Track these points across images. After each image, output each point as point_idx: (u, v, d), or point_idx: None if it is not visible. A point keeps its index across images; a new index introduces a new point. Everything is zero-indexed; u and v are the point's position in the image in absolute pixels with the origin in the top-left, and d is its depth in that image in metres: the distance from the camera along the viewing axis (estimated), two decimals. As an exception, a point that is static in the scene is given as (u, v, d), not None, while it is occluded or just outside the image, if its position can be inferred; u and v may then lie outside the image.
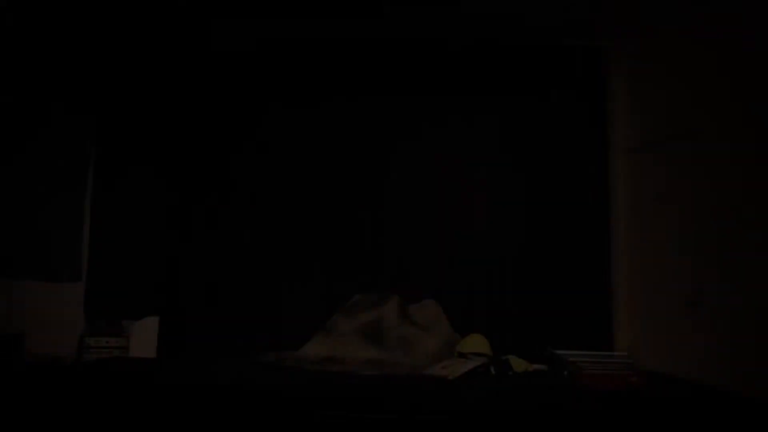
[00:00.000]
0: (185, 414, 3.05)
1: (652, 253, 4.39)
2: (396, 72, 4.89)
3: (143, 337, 4.66)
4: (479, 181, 4.83)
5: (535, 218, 4.77)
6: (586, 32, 4.68)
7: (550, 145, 4.82)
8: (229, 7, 4.44)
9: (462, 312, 4.65)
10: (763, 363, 3.47)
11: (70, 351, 4.55)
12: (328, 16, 4.52)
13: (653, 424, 2.92)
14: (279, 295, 4.73)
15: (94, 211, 4.79)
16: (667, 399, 3.38)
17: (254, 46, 4.87)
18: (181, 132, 4.87)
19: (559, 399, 3.40)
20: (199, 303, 4.70)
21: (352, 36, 4.82)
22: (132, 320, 4.69)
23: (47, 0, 4.29)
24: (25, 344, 4.43)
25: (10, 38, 4.44)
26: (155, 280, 4.74)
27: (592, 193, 4.77)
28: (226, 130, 4.88)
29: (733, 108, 3.80)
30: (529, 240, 4.75)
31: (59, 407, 3.11)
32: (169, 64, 4.89)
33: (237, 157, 4.85)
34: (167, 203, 4.81)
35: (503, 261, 4.73)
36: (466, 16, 4.45)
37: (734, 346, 3.68)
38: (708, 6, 3.94)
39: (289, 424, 2.91)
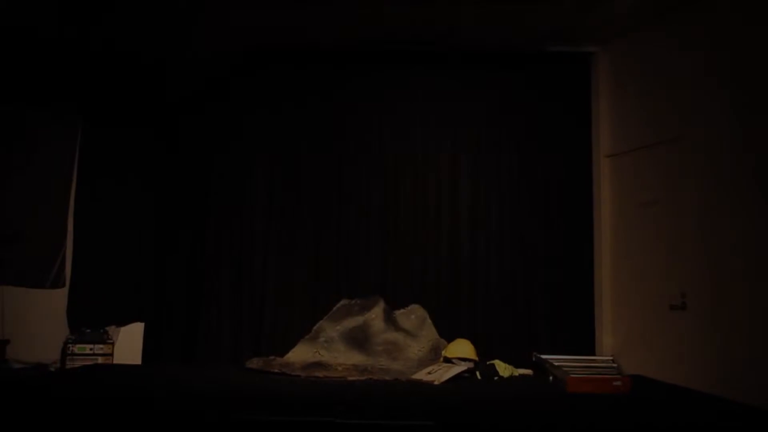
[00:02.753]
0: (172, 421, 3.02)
1: (636, 257, 4.41)
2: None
3: (128, 344, 4.63)
4: (458, 188, 4.85)
5: (519, 224, 4.79)
6: (571, 39, 4.70)
7: (534, 150, 4.85)
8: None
9: (447, 317, 4.65)
10: (748, 367, 3.50)
11: (54, 358, 4.52)
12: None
13: (638, 427, 2.92)
14: (264, 301, 4.71)
15: (77, 218, 4.76)
16: (652, 402, 3.39)
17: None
18: (165, 140, 4.89)
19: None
20: (184, 309, 4.68)
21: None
22: (116, 327, 4.67)
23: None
24: (7, 351, 4.42)
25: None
26: (140, 286, 4.71)
27: (575, 198, 4.79)
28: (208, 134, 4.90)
29: (718, 112, 3.85)
30: (512, 246, 4.76)
31: (41, 414, 3.08)
32: None
33: (221, 160, 4.88)
34: (153, 210, 4.81)
35: (488, 267, 4.75)
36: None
37: (719, 349, 3.71)
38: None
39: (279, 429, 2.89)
